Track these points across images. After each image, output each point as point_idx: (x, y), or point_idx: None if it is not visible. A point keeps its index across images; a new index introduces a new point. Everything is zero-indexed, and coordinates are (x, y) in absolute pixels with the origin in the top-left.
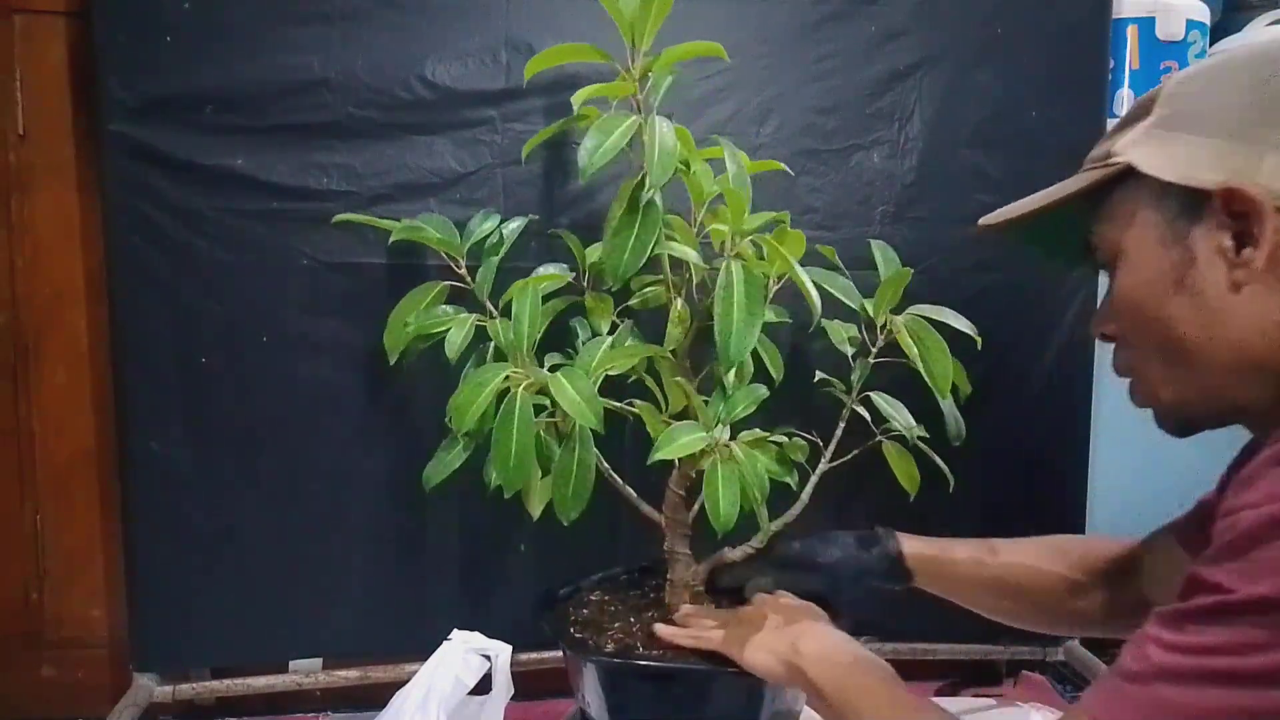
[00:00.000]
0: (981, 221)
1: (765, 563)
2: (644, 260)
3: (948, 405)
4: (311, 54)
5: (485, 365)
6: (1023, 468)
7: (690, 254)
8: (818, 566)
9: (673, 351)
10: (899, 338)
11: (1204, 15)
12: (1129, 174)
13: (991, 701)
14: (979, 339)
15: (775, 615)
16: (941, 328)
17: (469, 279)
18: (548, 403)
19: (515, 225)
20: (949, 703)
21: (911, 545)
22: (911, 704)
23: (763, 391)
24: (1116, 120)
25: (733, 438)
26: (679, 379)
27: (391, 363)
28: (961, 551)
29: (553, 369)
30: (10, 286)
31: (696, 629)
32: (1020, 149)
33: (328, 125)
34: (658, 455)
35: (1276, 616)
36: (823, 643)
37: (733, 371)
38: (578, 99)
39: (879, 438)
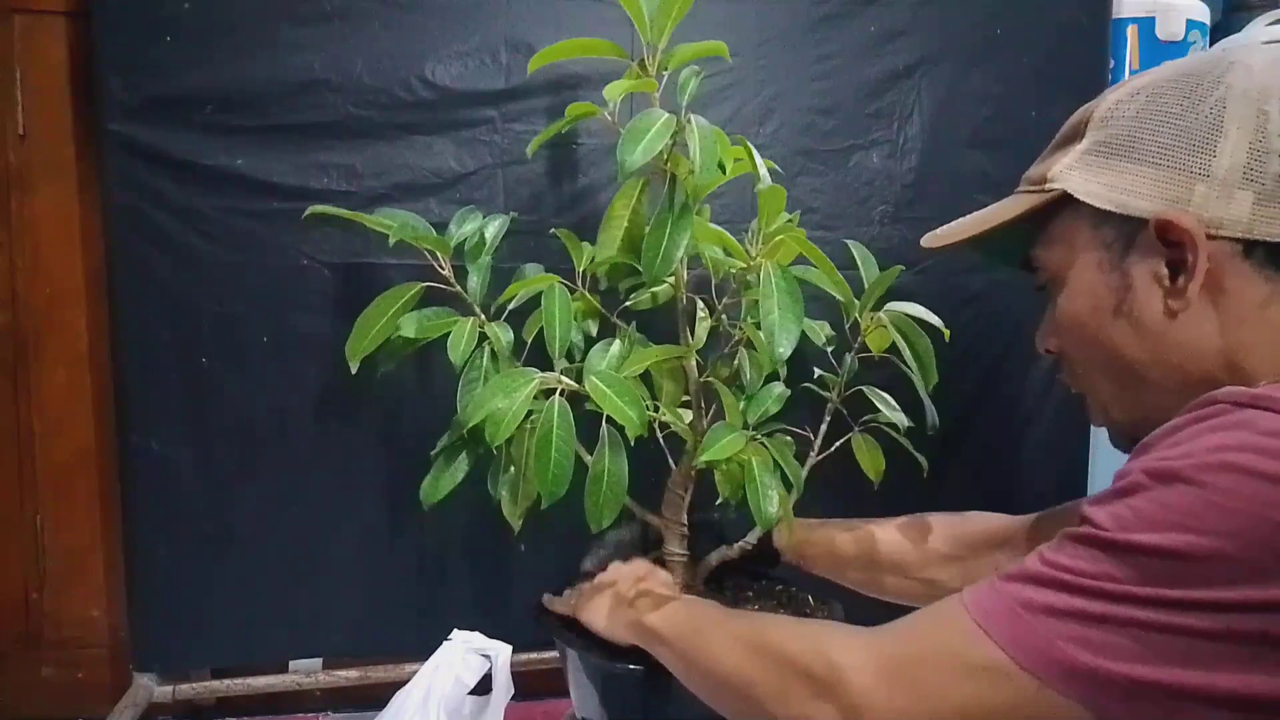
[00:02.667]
0: (924, 242)
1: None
2: (679, 259)
3: (928, 398)
4: (311, 54)
5: (510, 371)
6: (1022, 467)
7: (719, 253)
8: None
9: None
10: (869, 336)
11: (1204, 15)
12: (1066, 199)
13: None
14: (947, 332)
15: (625, 582)
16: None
17: (453, 280)
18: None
19: (498, 225)
20: None
21: (779, 527)
22: (747, 613)
23: (783, 390)
24: (1053, 140)
25: None
26: (709, 379)
27: (353, 371)
28: (833, 531)
29: (563, 374)
30: (10, 286)
31: (570, 596)
32: (1020, 149)
33: (328, 125)
34: (705, 458)
35: (1135, 561)
36: (655, 595)
37: (750, 371)
38: (610, 94)
39: (855, 430)
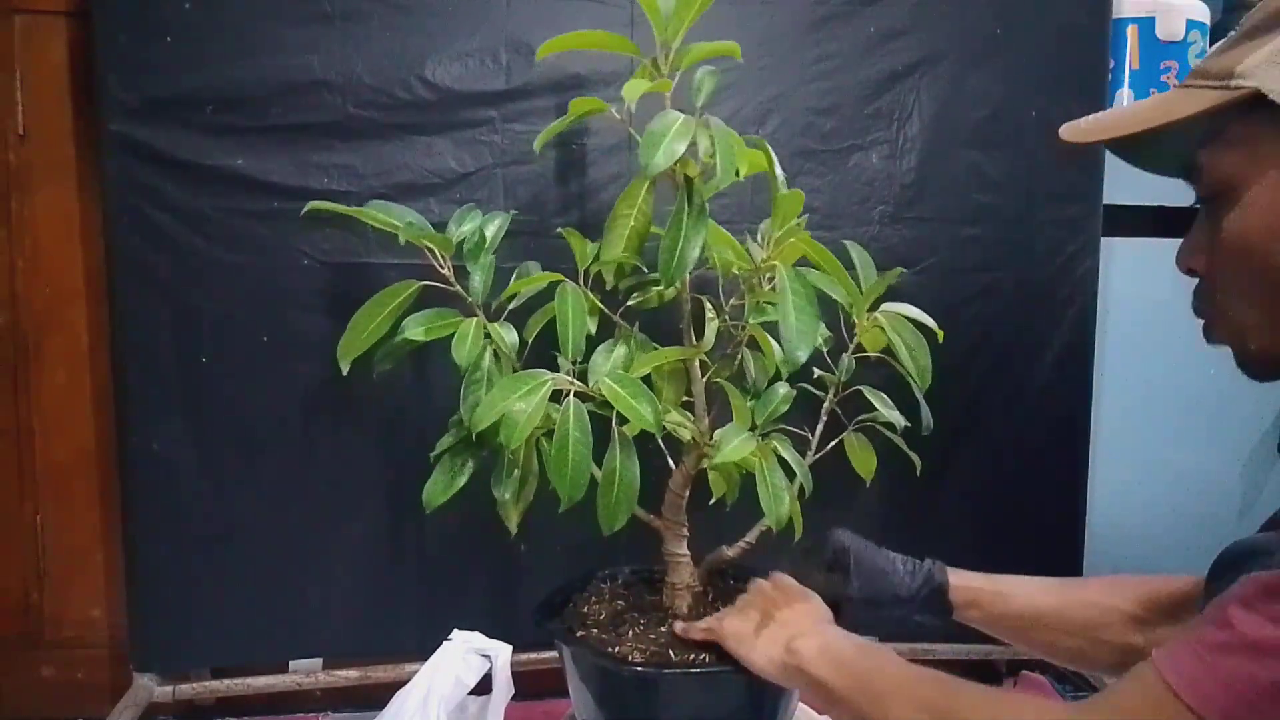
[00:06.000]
0: (1069, 137)
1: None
2: (694, 261)
3: (923, 398)
4: (311, 54)
5: (520, 373)
6: (1022, 467)
7: (731, 255)
8: (853, 578)
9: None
10: (864, 337)
11: (1204, 15)
12: (1256, 99)
13: None
14: (941, 333)
15: (775, 608)
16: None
17: (453, 279)
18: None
19: (498, 224)
20: None
21: (958, 578)
22: (928, 674)
23: (789, 390)
24: (1239, 27)
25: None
26: (721, 381)
27: (344, 372)
28: (1013, 587)
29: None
30: (10, 286)
31: (709, 620)
32: (1020, 149)
33: (328, 125)
34: (720, 459)
35: None
36: (819, 639)
37: (755, 372)
38: (629, 94)
39: (849, 429)
